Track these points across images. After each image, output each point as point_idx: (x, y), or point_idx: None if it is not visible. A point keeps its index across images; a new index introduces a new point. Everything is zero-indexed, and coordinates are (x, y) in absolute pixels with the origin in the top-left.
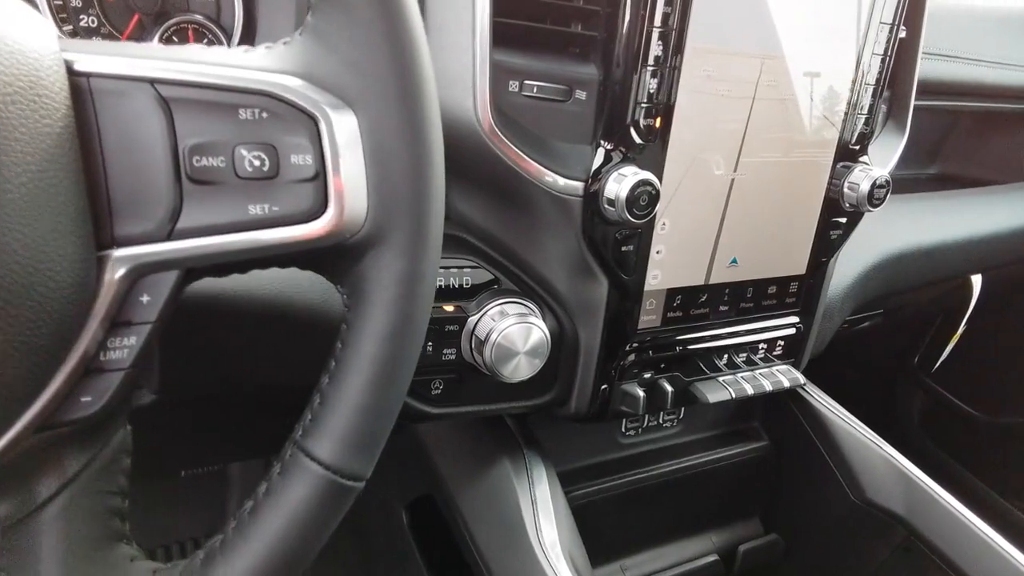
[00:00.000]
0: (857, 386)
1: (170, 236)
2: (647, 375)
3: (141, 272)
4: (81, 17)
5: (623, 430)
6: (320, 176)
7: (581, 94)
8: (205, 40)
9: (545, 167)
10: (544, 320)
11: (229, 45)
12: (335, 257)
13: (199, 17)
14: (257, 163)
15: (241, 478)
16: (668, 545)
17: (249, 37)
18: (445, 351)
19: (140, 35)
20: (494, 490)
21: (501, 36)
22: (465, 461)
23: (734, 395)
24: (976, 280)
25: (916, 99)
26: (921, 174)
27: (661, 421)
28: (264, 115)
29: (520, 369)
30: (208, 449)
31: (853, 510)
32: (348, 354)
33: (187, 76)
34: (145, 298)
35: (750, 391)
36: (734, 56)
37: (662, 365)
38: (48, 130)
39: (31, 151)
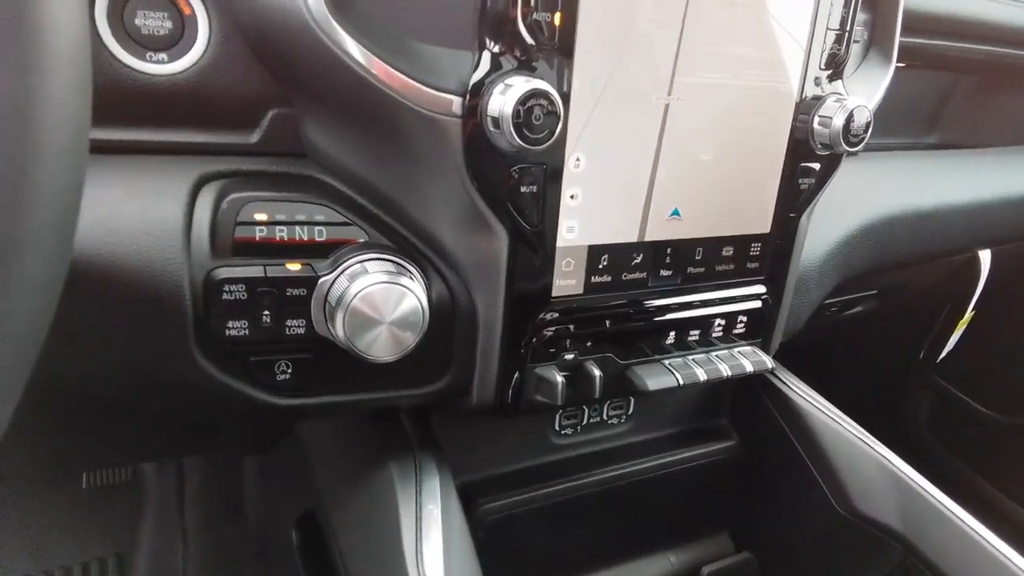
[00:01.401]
0: (855, 382)
1: None
2: (569, 356)
3: None
4: None
5: (557, 428)
6: None
7: None
8: None
9: (408, 75)
10: (429, 286)
11: None
12: None
13: None
14: None
15: (157, 487)
16: (615, 568)
17: None
18: (290, 323)
19: None
20: (372, 503)
21: None
22: (346, 468)
23: (681, 381)
24: (985, 258)
25: (906, 37)
26: (919, 143)
27: (606, 417)
28: None
29: (381, 344)
30: (111, 446)
31: (839, 523)
32: None
33: None
34: None
35: (702, 377)
36: None
37: (589, 343)
38: None
39: None
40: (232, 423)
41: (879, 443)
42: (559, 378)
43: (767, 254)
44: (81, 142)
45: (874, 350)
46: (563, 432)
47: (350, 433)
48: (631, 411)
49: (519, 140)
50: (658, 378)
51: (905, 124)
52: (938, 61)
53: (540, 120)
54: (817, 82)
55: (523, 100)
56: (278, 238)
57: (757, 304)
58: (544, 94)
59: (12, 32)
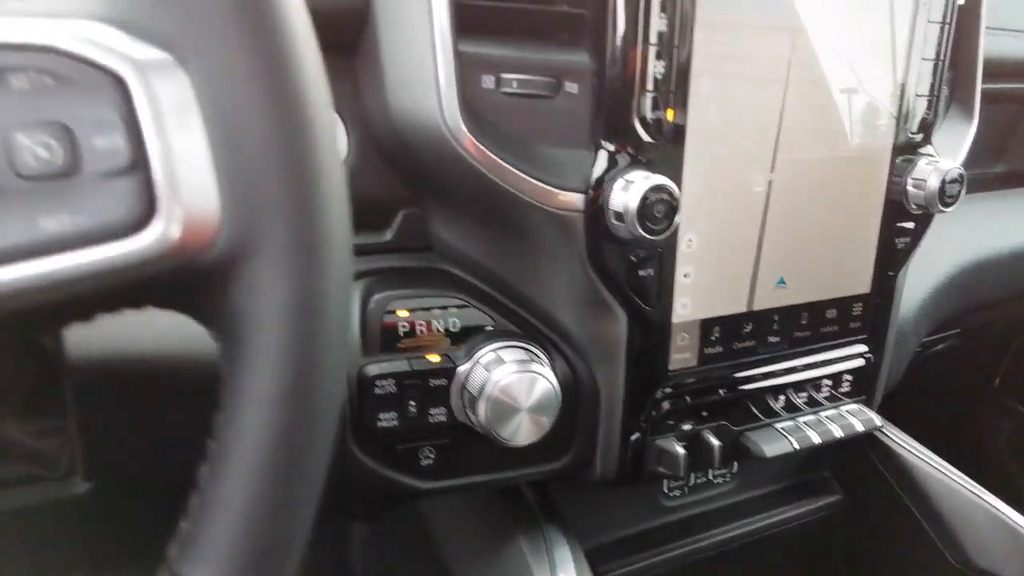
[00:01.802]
0: (929, 416)
1: None
2: (687, 427)
3: None
4: None
5: (666, 491)
6: (139, 165)
7: (572, 87)
8: None
9: (535, 178)
10: (553, 367)
11: None
12: (189, 287)
13: None
14: (45, 153)
15: None
16: None
17: None
18: (432, 411)
19: None
20: None
21: (468, 22)
22: (472, 542)
23: (797, 446)
24: None
25: (984, 82)
26: (987, 173)
27: (711, 477)
28: (48, 80)
29: (523, 431)
30: None
31: None
32: (229, 431)
33: None
34: None
35: (816, 440)
36: (757, 30)
37: (704, 413)
38: None
39: None
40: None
41: (986, 491)
42: (680, 450)
43: (868, 313)
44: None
45: (946, 378)
46: (671, 494)
47: (473, 505)
48: (736, 470)
49: (641, 231)
50: (774, 444)
51: (972, 153)
52: (1011, 98)
53: (661, 212)
54: (907, 147)
55: (646, 196)
56: (418, 332)
57: (861, 363)
58: (665, 188)
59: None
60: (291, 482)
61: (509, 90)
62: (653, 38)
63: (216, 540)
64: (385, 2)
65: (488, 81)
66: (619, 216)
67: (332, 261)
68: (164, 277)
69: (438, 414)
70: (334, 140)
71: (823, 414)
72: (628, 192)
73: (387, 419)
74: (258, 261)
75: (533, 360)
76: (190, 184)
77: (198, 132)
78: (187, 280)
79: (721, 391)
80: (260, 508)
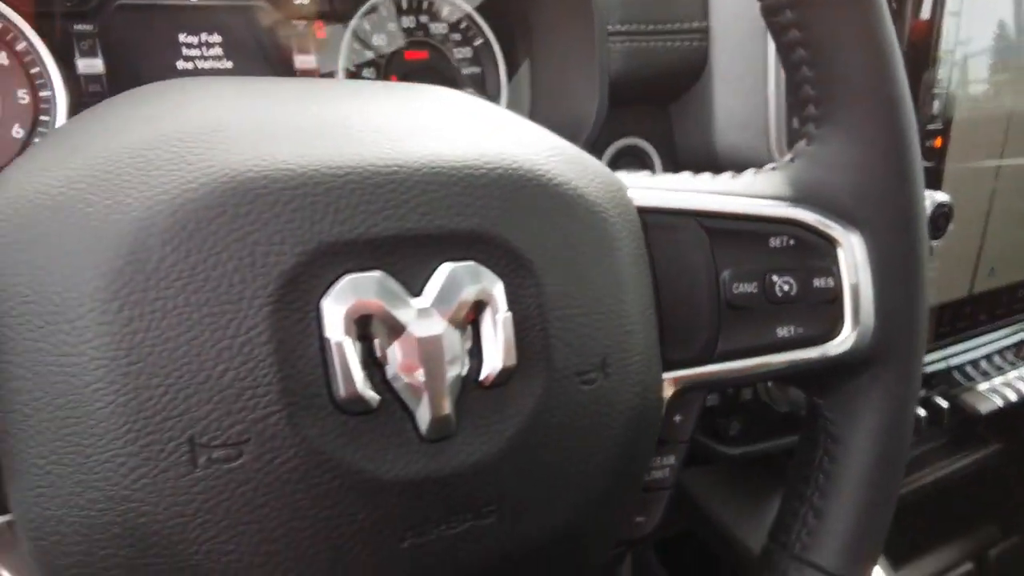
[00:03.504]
0: None
1: (711, 359)
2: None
3: (682, 394)
4: None
5: None
6: (837, 298)
7: None
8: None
9: None
10: None
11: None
12: (830, 374)
13: (471, 91)
14: (786, 288)
15: None
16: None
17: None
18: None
19: None
20: None
21: None
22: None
23: (1001, 403)
24: None
25: None
26: None
27: None
28: (792, 242)
29: None
30: None
31: None
32: (839, 469)
33: (725, 208)
34: (678, 418)
35: (1013, 398)
36: None
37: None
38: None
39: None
40: None
41: None
42: (922, 412)
43: None
44: None
45: None
46: None
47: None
48: None
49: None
50: (984, 403)
51: None
52: None
53: (942, 223)
54: None
55: (934, 212)
56: None
57: None
58: (946, 204)
59: None
60: (882, 507)
61: None
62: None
63: (834, 537)
64: (723, 63)
65: (795, 122)
66: None
67: (920, 369)
68: (823, 367)
69: (747, 393)
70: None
71: (1011, 375)
72: None
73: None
74: (884, 364)
75: None
76: (863, 311)
77: (868, 277)
78: (833, 370)
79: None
80: (862, 521)
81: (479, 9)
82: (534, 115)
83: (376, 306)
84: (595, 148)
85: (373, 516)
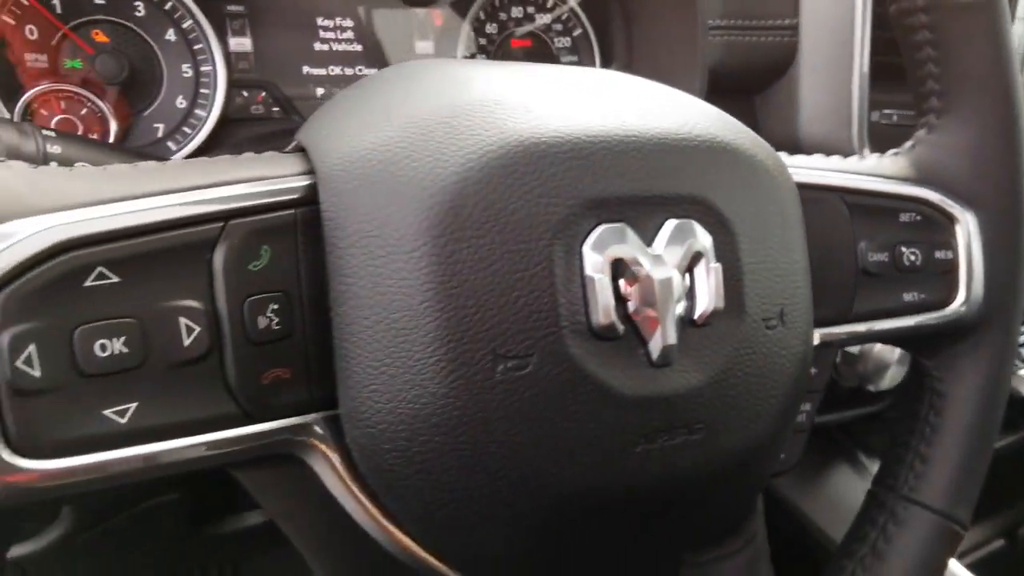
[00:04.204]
0: None
1: (846, 319)
2: None
3: (820, 348)
4: None
5: None
6: (954, 268)
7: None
8: None
9: None
10: None
11: None
12: (942, 337)
13: None
14: (912, 258)
15: None
16: None
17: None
18: None
19: None
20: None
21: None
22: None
23: None
24: None
25: None
26: None
27: None
28: (918, 218)
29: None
30: None
31: None
32: (945, 421)
33: (863, 186)
34: (814, 370)
35: None
36: None
37: None
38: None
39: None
40: None
41: None
42: None
43: None
44: None
45: None
46: None
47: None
48: None
49: None
50: None
51: None
52: None
53: None
54: None
55: None
56: None
57: None
58: None
59: None
60: (983, 452)
61: (888, 122)
62: None
63: (942, 481)
64: (810, 58)
65: (875, 115)
66: None
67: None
68: (933, 331)
69: None
70: None
71: None
72: None
73: None
74: (988, 327)
75: None
76: (974, 281)
77: (979, 250)
78: (943, 334)
79: None
80: (967, 465)
81: (581, 2)
82: None
83: (624, 252)
84: None
85: (616, 424)
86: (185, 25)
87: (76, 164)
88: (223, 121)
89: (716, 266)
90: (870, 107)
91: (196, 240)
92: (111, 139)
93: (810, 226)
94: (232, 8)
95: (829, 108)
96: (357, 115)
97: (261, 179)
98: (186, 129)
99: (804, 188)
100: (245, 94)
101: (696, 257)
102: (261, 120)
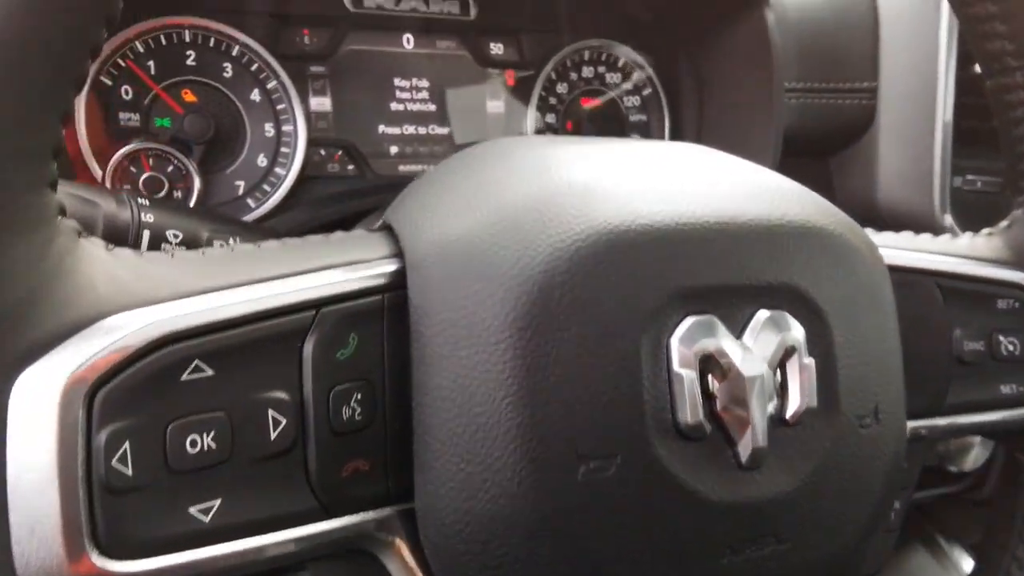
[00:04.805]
0: None
1: (939, 412)
2: None
3: (910, 443)
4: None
5: None
6: None
7: None
8: None
9: None
10: None
11: None
12: None
13: (636, 136)
14: (1011, 347)
15: None
16: None
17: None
18: None
19: None
20: None
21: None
22: None
23: None
24: None
25: None
26: None
27: None
28: (1017, 305)
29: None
30: None
31: None
32: None
33: (958, 269)
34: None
35: None
36: None
37: None
38: None
39: None
40: None
41: None
42: None
43: None
44: None
45: None
46: None
47: None
48: None
49: None
50: None
51: None
52: None
53: None
54: None
55: None
56: None
57: None
58: None
59: None
60: None
61: (971, 188)
62: None
63: None
64: (890, 121)
65: (957, 181)
66: None
67: None
68: None
69: None
70: None
71: None
72: None
73: None
74: None
75: None
76: None
77: None
78: None
79: None
80: None
81: (652, 62)
82: None
83: (714, 346)
84: None
85: (702, 532)
86: (269, 86)
87: (169, 234)
88: (301, 179)
89: (809, 361)
90: (952, 172)
91: (289, 329)
92: (194, 196)
93: (902, 312)
94: (315, 69)
95: (909, 173)
96: (446, 198)
97: (353, 263)
98: (265, 187)
99: (896, 271)
100: (323, 152)
101: (788, 351)
102: (337, 178)
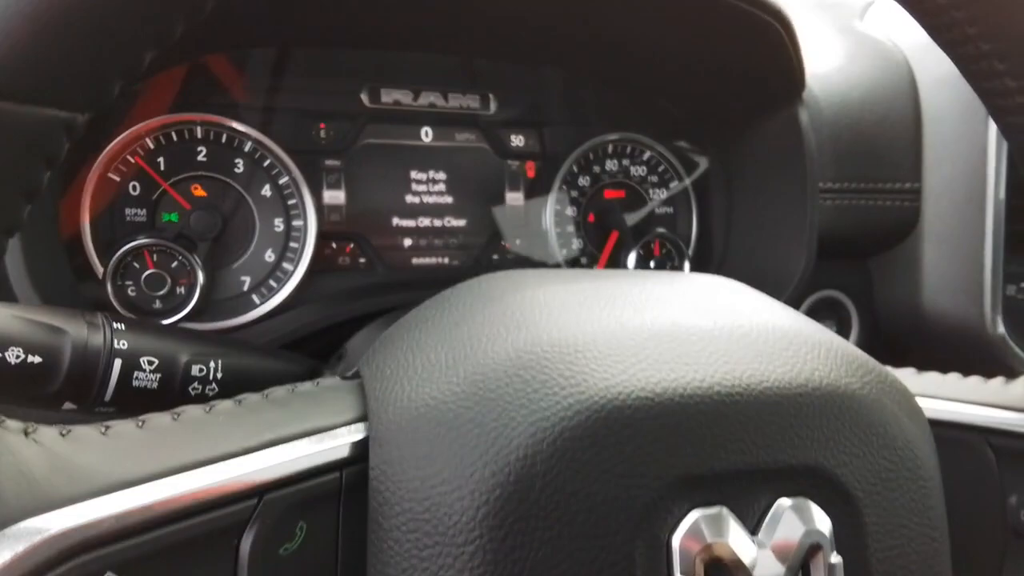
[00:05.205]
0: None
1: None
2: None
3: None
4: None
5: None
6: None
7: None
8: (664, 250)
9: None
10: None
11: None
12: None
13: (663, 230)
14: None
15: None
16: None
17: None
18: None
19: (618, 252)
20: None
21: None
22: None
23: None
24: None
25: None
26: None
27: None
28: None
29: None
30: None
31: None
32: None
33: (1016, 426)
34: None
35: None
36: None
37: None
38: None
39: None
40: None
41: None
42: None
43: None
44: None
45: None
46: None
47: None
48: None
49: None
50: None
51: None
52: None
53: None
54: None
55: None
56: None
57: None
58: None
59: None
60: None
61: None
62: None
63: None
64: (935, 224)
65: (1010, 289)
66: None
67: None
68: None
69: None
70: None
71: None
72: None
73: None
74: None
75: None
76: None
77: None
78: None
79: None
80: None
81: (679, 155)
82: (728, 263)
83: (722, 548)
84: (791, 299)
85: None
86: (281, 181)
87: (143, 360)
88: (309, 273)
89: (837, 560)
90: (1004, 280)
91: (226, 524)
92: (197, 292)
93: (947, 475)
94: (329, 163)
95: (957, 279)
96: (420, 354)
97: (310, 433)
98: (272, 283)
99: (940, 425)
100: (334, 245)
101: (813, 549)
102: (347, 272)
